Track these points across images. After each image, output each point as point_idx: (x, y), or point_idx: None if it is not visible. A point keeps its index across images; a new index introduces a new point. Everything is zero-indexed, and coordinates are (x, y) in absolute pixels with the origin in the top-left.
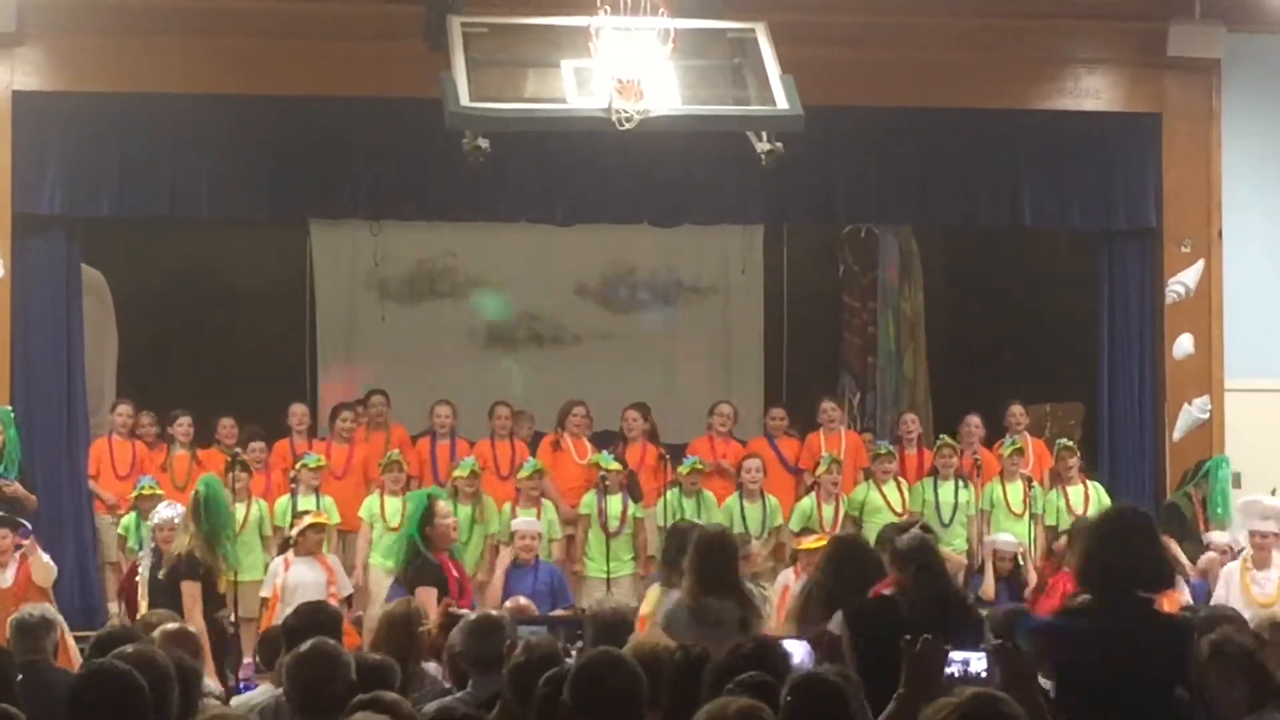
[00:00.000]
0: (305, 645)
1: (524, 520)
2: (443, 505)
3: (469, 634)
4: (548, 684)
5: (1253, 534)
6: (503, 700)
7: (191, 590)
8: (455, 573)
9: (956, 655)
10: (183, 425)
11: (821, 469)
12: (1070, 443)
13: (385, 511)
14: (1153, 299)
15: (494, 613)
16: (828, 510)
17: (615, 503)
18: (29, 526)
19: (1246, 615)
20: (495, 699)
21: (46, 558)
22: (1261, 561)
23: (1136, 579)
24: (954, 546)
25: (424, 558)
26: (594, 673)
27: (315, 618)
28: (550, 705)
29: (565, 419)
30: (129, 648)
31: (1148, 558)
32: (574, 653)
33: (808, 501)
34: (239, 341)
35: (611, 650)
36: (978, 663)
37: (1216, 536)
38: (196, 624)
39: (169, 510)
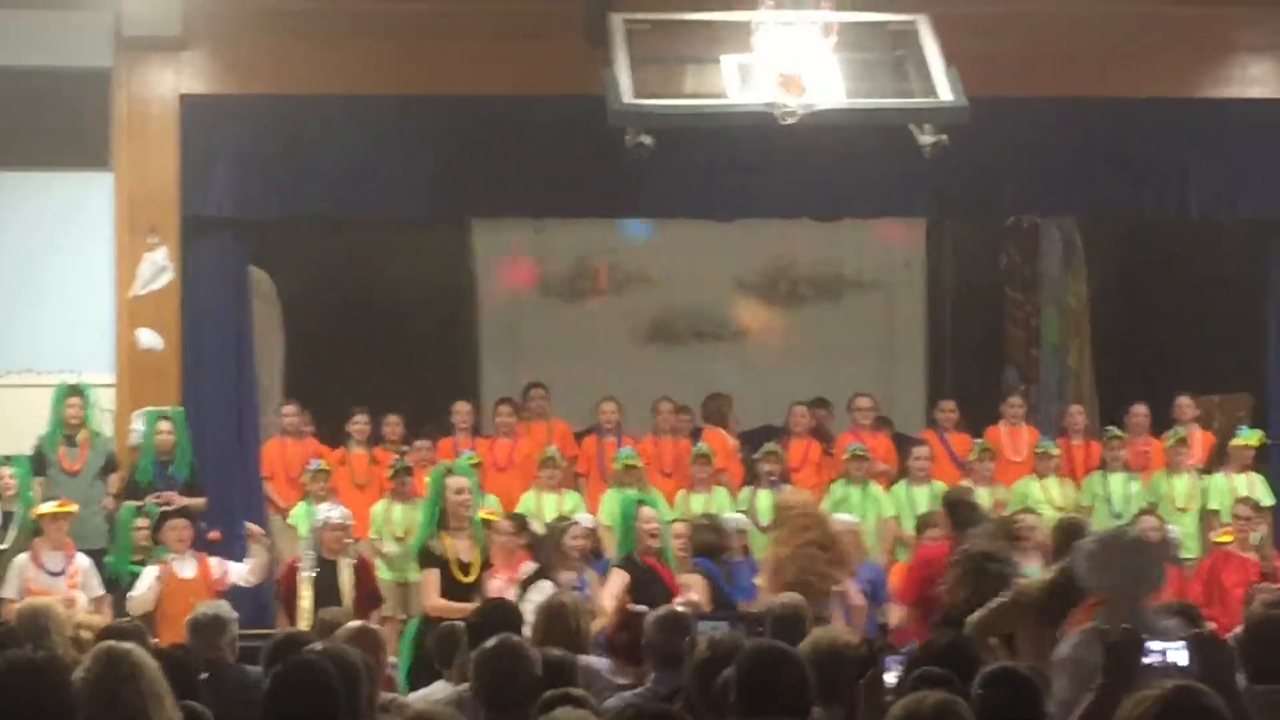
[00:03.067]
0: (492, 641)
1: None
2: (646, 510)
3: (656, 628)
4: None
5: None
6: (686, 695)
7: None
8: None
9: (1155, 645)
10: (358, 423)
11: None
12: (1244, 436)
13: (542, 509)
14: None
15: (680, 609)
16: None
17: (766, 497)
18: (206, 526)
19: None
20: (676, 694)
21: (234, 575)
22: None
23: None
24: None
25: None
26: (755, 667)
27: (498, 614)
28: None
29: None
30: (318, 645)
31: None
32: None
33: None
34: (403, 340)
35: (774, 644)
36: (1176, 653)
37: None
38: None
39: (334, 512)
